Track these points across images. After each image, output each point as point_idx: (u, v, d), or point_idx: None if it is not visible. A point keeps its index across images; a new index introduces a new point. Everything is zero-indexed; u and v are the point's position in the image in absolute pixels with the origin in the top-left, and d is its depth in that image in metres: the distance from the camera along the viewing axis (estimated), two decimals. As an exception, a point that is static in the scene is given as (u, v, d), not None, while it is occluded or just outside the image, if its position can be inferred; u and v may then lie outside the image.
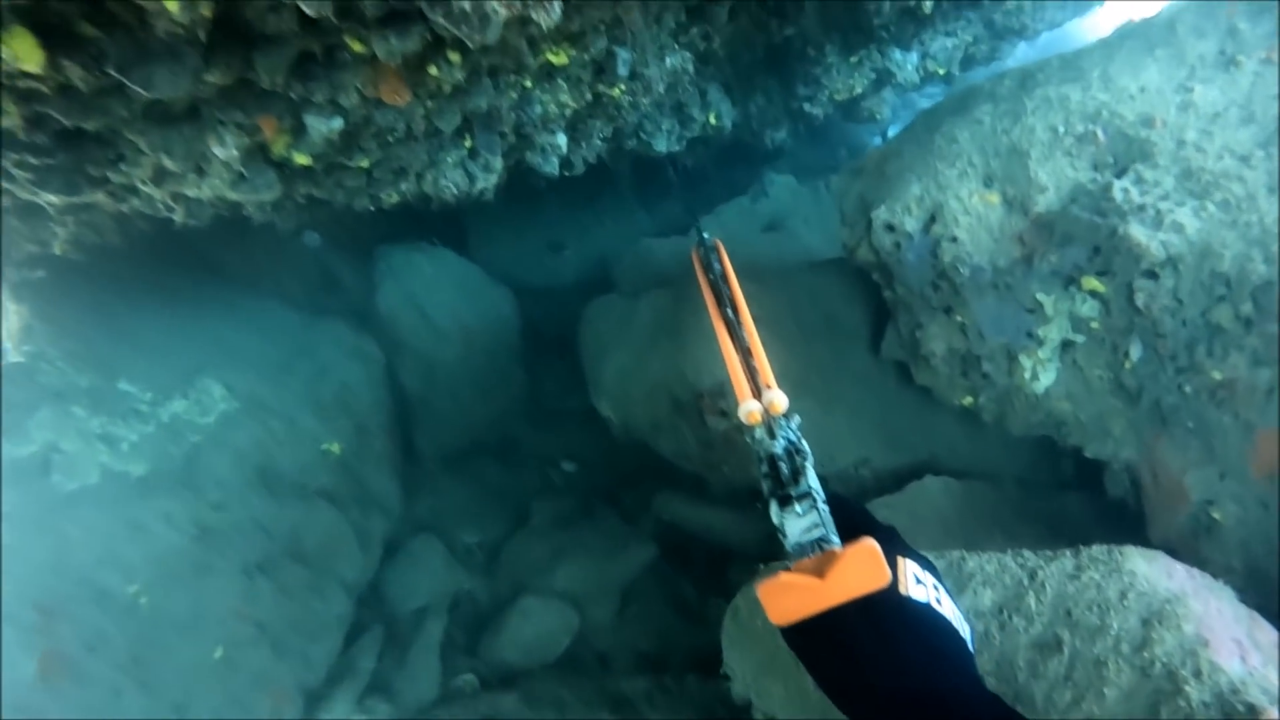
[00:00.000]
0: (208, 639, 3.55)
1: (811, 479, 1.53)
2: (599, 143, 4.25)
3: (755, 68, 5.10)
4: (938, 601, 1.34)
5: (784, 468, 1.55)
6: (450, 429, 5.34)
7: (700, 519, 4.42)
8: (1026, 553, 2.44)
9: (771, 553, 3.08)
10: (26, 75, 1.63)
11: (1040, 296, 3.02)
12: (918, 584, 1.34)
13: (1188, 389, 2.76)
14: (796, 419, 1.74)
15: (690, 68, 3.37)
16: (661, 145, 4.88)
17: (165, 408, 4.01)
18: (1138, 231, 2.66)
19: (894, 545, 1.40)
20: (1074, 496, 3.60)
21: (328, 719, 3.79)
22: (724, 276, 2.63)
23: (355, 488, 4.46)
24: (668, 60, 3.35)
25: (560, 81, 2.86)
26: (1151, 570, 2.19)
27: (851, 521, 1.51)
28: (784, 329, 3.97)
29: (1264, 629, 2.16)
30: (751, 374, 1.87)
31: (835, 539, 1.36)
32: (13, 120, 1.78)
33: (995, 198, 3.09)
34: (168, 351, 4.26)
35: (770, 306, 4.09)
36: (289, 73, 1.95)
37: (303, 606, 3.89)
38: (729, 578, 4.31)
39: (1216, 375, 2.65)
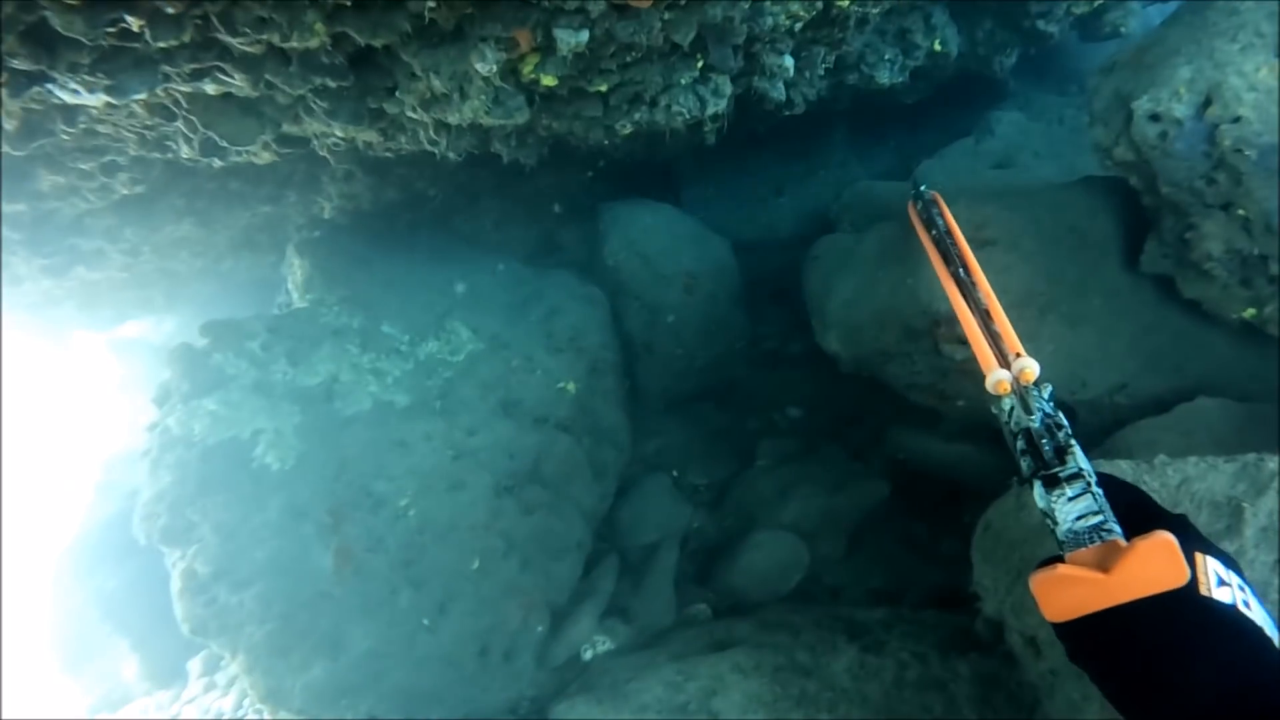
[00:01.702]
0: (465, 549, 3.89)
1: (1080, 458, 1.42)
2: (821, 75, 4.20)
3: (985, -12, 4.83)
4: (1246, 605, 1.18)
5: (1045, 445, 1.46)
6: (674, 372, 5.49)
7: (934, 454, 4.26)
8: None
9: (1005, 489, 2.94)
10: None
11: (1349, 176, 2.65)
12: (1221, 585, 1.19)
13: None
14: (1049, 388, 1.63)
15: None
16: (884, 77, 4.73)
17: (421, 347, 4.45)
18: None
19: (1189, 538, 1.25)
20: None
21: (573, 633, 4.04)
22: (948, 232, 2.51)
23: (589, 422, 4.71)
24: (896, -31, 3.25)
25: (791, -23, 2.86)
26: None
27: (1131, 507, 1.35)
28: (1023, 247, 3.73)
29: None
30: (994, 339, 1.78)
31: (1117, 528, 1.25)
32: (320, 39, 2.06)
33: (1289, 68, 2.74)
34: (419, 299, 4.73)
35: (1006, 225, 3.87)
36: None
37: (545, 526, 4.17)
38: (964, 516, 4.15)
39: None
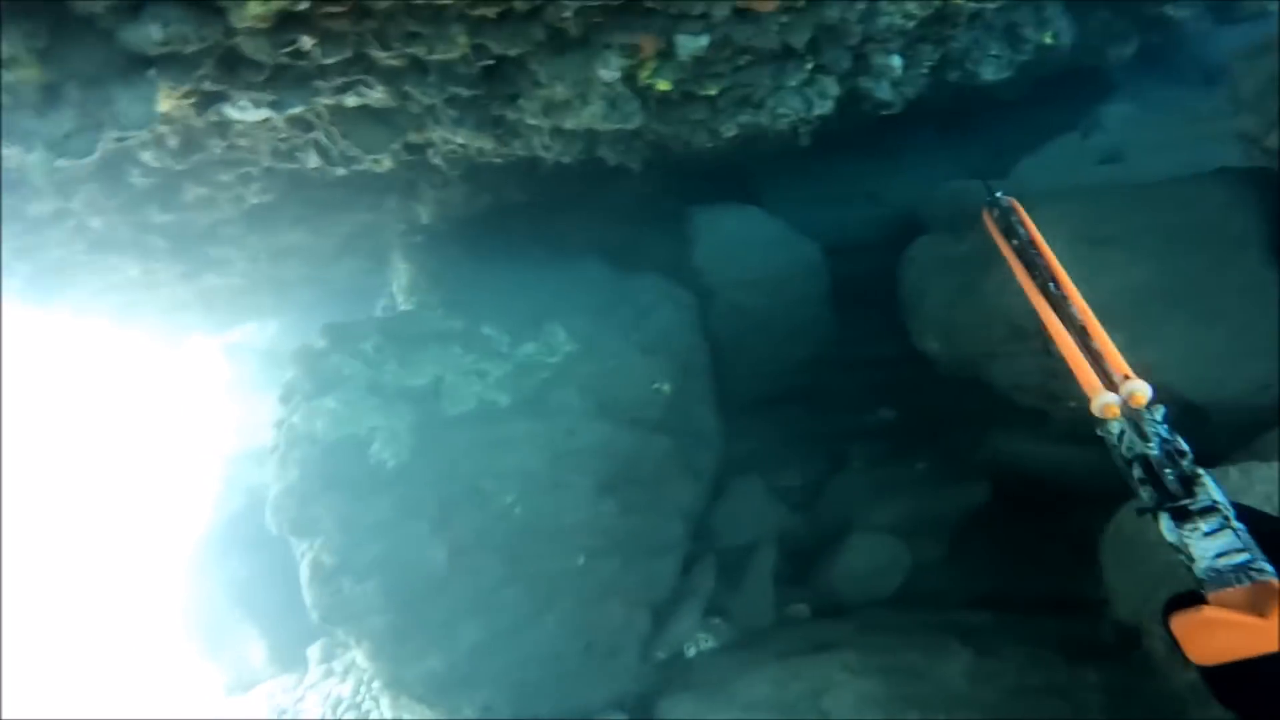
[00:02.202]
0: (568, 547, 3.96)
1: (1214, 489, 1.35)
2: (925, 72, 4.16)
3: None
4: None
5: (1169, 474, 1.39)
6: (764, 374, 5.50)
7: (1040, 457, 4.17)
8: None
9: (1119, 494, 2.84)
10: (481, 2, 1.96)
11: None
12: None
13: None
14: (1163, 409, 1.54)
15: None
16: (989, 73, 4.63)
17: (520, 349, 4.53)
18: None
19: None
20: None
21: (676, 630, 4.08)
22: (1032, 242, 2.38)
23: (683, 422, 4.74)
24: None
25: (910, -21, 2.86)
26: None
27: (1274, 541, 1.28)
28: (1144, 244, 3.63)
29: None
30: (1095, 359, 1.69)
31: (1269, 567, 1.19)
32: (462, 50, 2.15)
33: None
34: (515, 301, 4.82)
35: (1124, 222, 3.78)
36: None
37: (645, 525, 4.22)
38: (1072, 520, 4.04)
39: None
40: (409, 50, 2.11)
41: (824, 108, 3.39)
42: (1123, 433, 1.50)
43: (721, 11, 2.36)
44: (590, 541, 4.05)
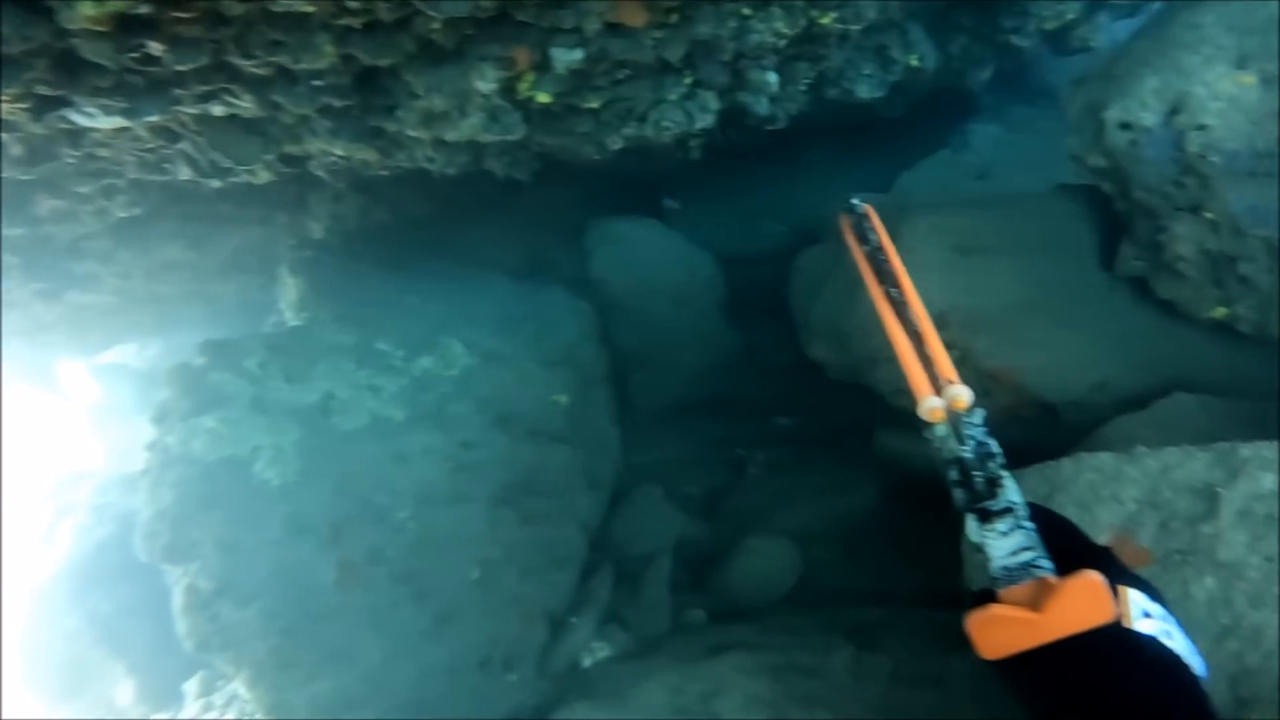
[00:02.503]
0: (465, 561, 3.94)
1: (1011, 490, 1.41)
2: (803, 89, 4.33)
3: (957, 6, 4.99)
4: (1168, 635, 1.24)
5: (978, 476, 1.43)
6: (665, 385, 5.58)
7: (923, 456, 4.35)
8: (1305, 438, 2.28)
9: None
10: (346, 12, 1.95)
11: (1310, 176, 2.79)
12: (1144, 616, 1.24)
13: None
14: (981, 413, 1.60)
15: (892, 16, 3.38)
16: (864, 91, 4.86)
17: (416, 363, 4.49)
18: None
19: (1114, 571, 1.29)
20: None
21: (572, 641, 4.09)
22: (881, 248, 2.47)
23: (583, 433, 4.77)
24: (874, -13, 3.38)
25: (775, 8, 2.98)
26: None
27: (1062, 540, 1.37)
28: (1008, 253, 3.87)
29: None
30: (927, 363, 1.76)
31: (1048, 564, 1.28)
32: (330, 59, 2.13)
33: (1250, 78, 2.88)
34: (413, 316, 4.78)
35: (991, 231, 4.01)
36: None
37: (543, 537, 4.22)
38: (952, 514, 4.24)
39: None
40: (273, 59, 2.09)
41: (705, 121, 3.48)
42: (945, 436, 1.54)
43: (593, 25, 2.41)
44: (487, 554, 4.02)
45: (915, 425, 4.15)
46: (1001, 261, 3.87)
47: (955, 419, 1.53)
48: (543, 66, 2.59)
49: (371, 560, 3.69)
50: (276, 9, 1.77)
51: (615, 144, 3.45)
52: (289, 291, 4.69)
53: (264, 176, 3.07)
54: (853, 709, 3.10)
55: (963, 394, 1.54)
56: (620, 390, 5.55)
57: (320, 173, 3.35)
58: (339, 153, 2.82)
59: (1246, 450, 2.34)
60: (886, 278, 2.12)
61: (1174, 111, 2.99)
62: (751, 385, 5.80)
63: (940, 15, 5.08)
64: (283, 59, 2.09)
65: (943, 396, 1.55)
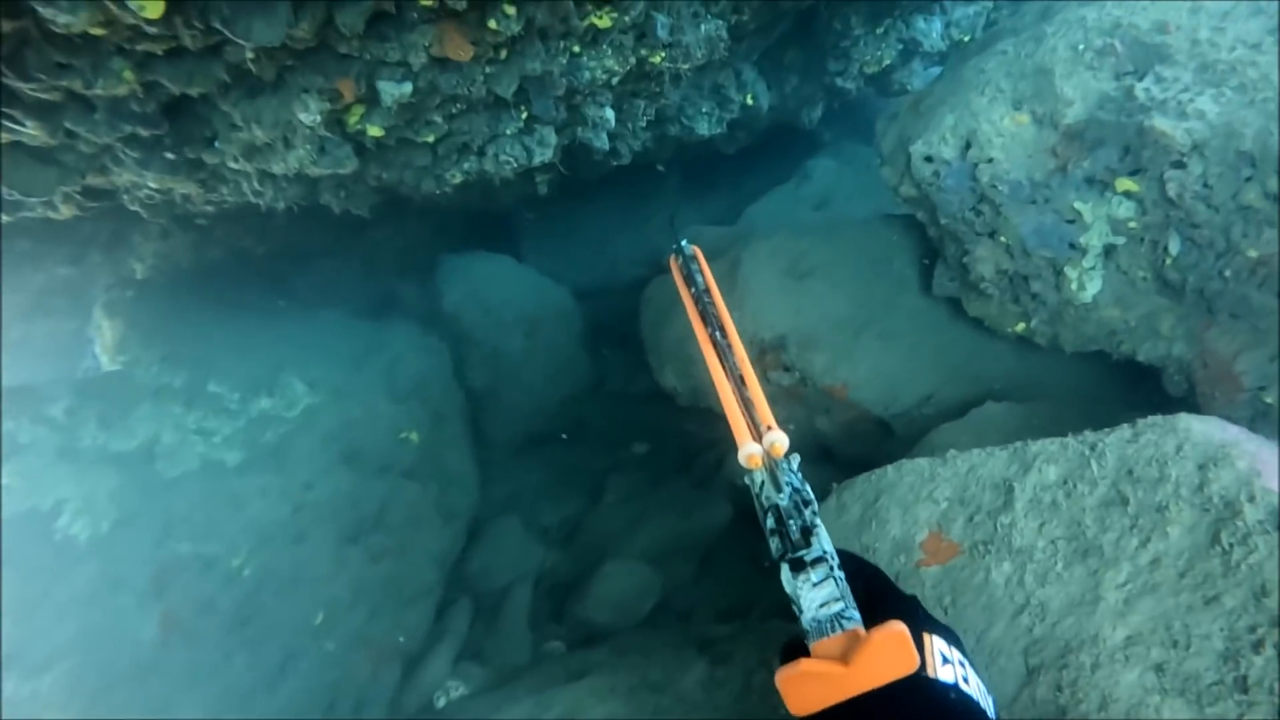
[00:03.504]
0: (308, 604, 3.78)
1: (824, 539, 1.44)
2: (643, 126, 4.48)
3: (786, 43, 5.30)
4: (964, 680, 1.31)
5: (793, 525, 1.45)
6: (520, 416, 5.57)
7: (771, 474, 4.52)
8: (1086, 432, 2.53)
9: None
10: (144, 37, 1.89)
11: (1078, 205, 3.12)
12: (944, 663, 1.30)
13: (1228, 273, 2.82)
14: (797, 458, 1.62)
15: (724, 35, 3.57)
16: (703, 128, 5.09)
17: (253, 404, 4.31)
18: (1162, 122, 2.76)
19: (918, 620, 1.35)
20: (1139, 402, 3.62)
21: (426, 680, 3.98)
22: (707, 290, 2.48)
23: (436, 469, 4.69)
24: (702, 27, 3.56)
25: (605, 46, 3.08)
26: (1205, 426, 2.27)
27: (870, 587, 1.44)
28: (837, 276, 4.11)
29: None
30: (748, 407, 1.71)
31: (856, 615, 1.30)
32: (129, 86, 2.05)
33: (1025, 118, 3.21)
34: (250, 356, 4.59)
35: (822, 257, 4.26)
36: (365, 32, 2.21)
37: (393, 574, 4.10)
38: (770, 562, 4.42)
39: (1253, 254, 2.72)
40: (60, 83, 1.98)
41: (545, 155, 3.54)
42: (763, 482, 1.55)
43: (419, 59, 2.43)
44: (333, 595, 3.88)
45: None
46: (832, 285, 4.12)
47: (773, 465, 1.56)
48: (371, 100, 2.57)
49: (200, 611, 3.48)
50: (56, 28, 1.68)
51: (455, 178, 3.46)
52: (105, 334, 4.40)
53: (67, 211, 2.88)
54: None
55: (780, 440, 1.57)
56: (476, 423, 5.50)
57: (136, 208, 3.18)
58: (153, 185, 2.70)
59: (1036, 446, 2.57)
60: (711, 321, 2.20)
61: (967, 146, 3.29)
62: (606, 414, 5.87)
63: (772, 58, 5.39)
64: (72, 83, 1.98)
65: (762, 442, 1.59)
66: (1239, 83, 2.72)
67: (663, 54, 3.50)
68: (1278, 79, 2.66)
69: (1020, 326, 3.62)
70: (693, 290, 2.59)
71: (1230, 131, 2.67)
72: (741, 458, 1.57)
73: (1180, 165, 2.80)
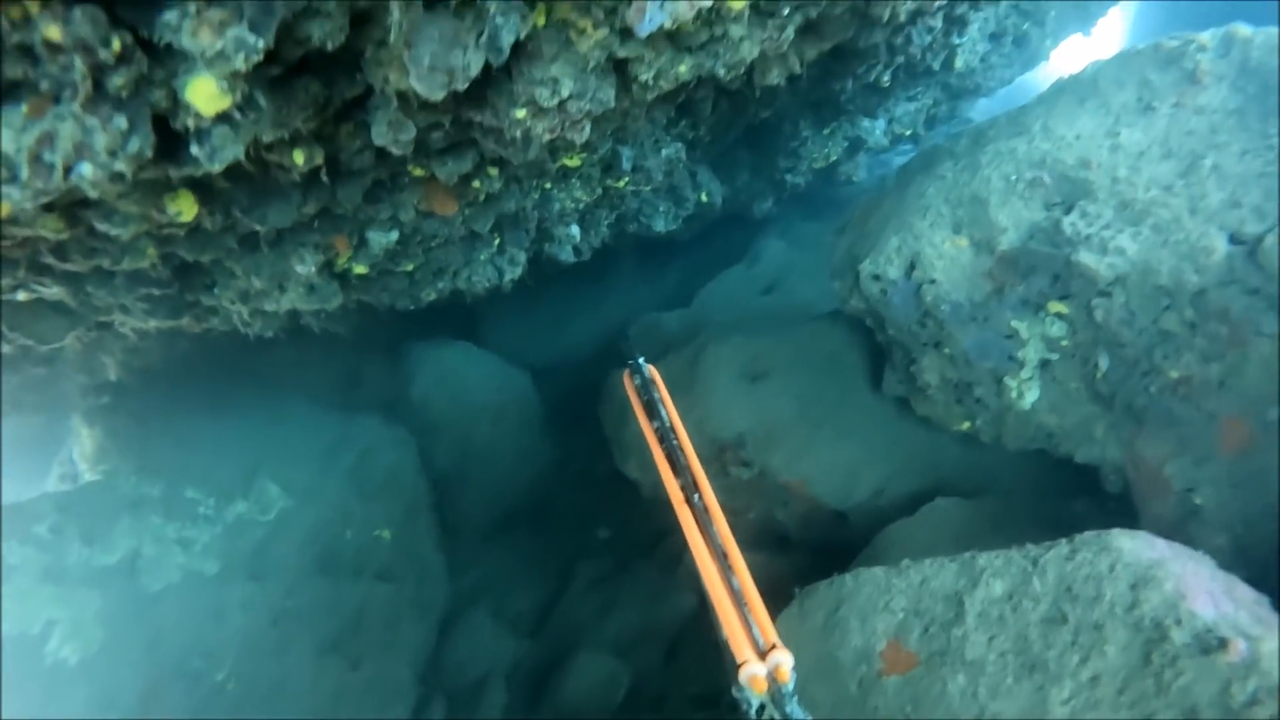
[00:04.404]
0: (291, 714, 3.82)
1: None
2: (605, 229, 4.72)
3: (738, 146, 5.61)
4: None
5: None
6: (486, 502, 5.68)
7: (735, 562, 4.69)
8: (1029, 545, 2.76)
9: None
10: (172, 226, 2.05)
11: (1015, 323, 3.41)
12: None
13: (1153, 389, 3.12)
14: (794, 678, 1.53)
15: (683, 154, 3.83)
16: (660, 225, 5.36)
17: (229, 510, 4.37)
18: (1087, 258, 3.07)
19: None
20: (1077, 500, 3.90)
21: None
22: (673, 429, 2.43)
23: (408, 566, 4.77)
24: (663, 152, 3.82)
25: (574, 181, 3.32)
26: (1135, 544, 2.52)
27: None
28: (793, 375, 4.35)
29: (1241, 589, 2.47)
30: (739, 605, 1.64)
31: None
32: (150, 260, 2.20)
33: (964, 241, 3.51)
34: (224, 457, 4.65)
35: (777, 357, 4.50)
36: (362, 199, 2.39)
37: (372, 677, 4.17)
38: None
39: (1174, 374, 3.02)
40: (91, 262, 2.12)
41: (515, 273, 3.75)
42: (762, 706, 1.51)
43: (408, 215, 2.61)
44: (315, 705, 3.93)
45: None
46: (787, 384, 4.36)
47: (777, 692, 1.51)
48: (360, 246, 2.75)
49: (187, 730, 3.51)
50: (99, 228, 1.83)
51: (429, 296, 3.63)
52: (84, 443, 4.43)
53: (70, 346, 2.98)
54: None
55: (786, 663, 1.50)
56: (444, 510, 5.59)
57: (126, 330, 3.29)
58: (154, 325, 2.82)
59: (983, 560, 2.80)
60: (679, 468, 2.21)
61: (912, 267, 3.58)
62: (571, 497, 6.01)
63: (725, 156, 5.70)
64: (101, 261, 2.13)
65: (765, 661, 1.53)
66: (1154, 223, 3.04)
67: (627, 179, 3.74)
68: (1186, 218, 2.98)
69: (966, 425, 3.89)
70: (655, 424, 2.60)
71: (1148, 269, 2.99)
72: (744, 677, 1.51)
73: (1105, 294, 3.10)
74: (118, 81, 1.26)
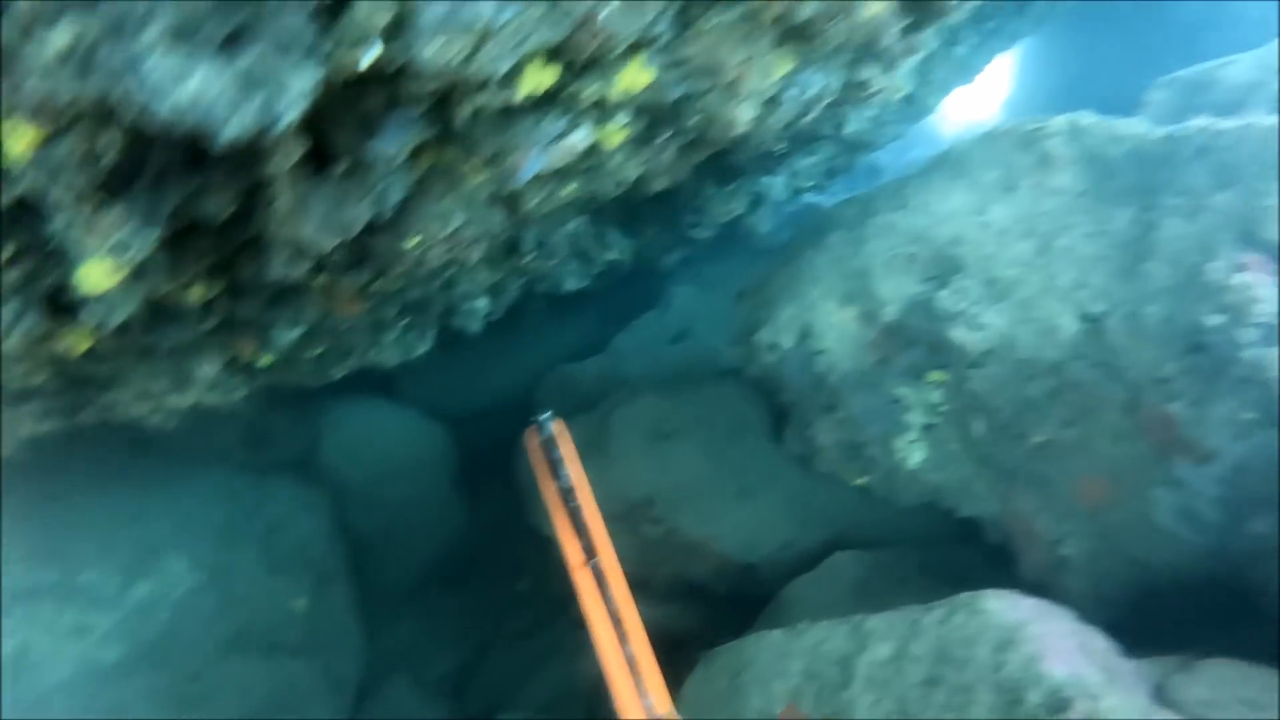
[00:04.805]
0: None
1: None
2: (515, 293, 4.81)
3: (644, 204, 5.78)
4: None
5: None
6: (404, 564, 5.67)
7: (646, 617, 4.80)
8: (911, 606, 2.96)
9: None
10: (65, 356, 2.06)
11: (899, 390, 3.65)
12: None
13: (1021, 451, 3.38)
14: None
15: (587, 226, 3.97)
16: (570, 285, 5.48)
17: (131, 592, 4.24)
18: (958, 333, 3.32)
19: None
20: (965, 548, 4.16)
21: None
22: (582, 509, 2.43)
23: (323, 635, 4.73)
24: (568, 226, 3.95)
25: (480, 264, 3.41)
26: (1001, 606, 2.73)
27: None
28: (701, 435, 4.52)
29: (1096, 641, 2.72)
30: (632, 665, 1.72)
31: None
32: (43, 378, 2.20)
33: (852, 313, 3.74)
34: (125, 534, 4.51)
35: (685, 417, 4.66)
36: (265, 306, 2.44)
37: (288, 760, 4.12)
38: (679, 666, 4.70)
39: (1038, 438, 3.28)
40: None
41: (424, 348, 3.81)
42: None
43: (313, 316, 2.67)
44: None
45: (637, 588, 4.52)
46: (694, 443, 4.52)
47: None
48: (265, 343, 2.78)
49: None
50: None
51: (339, 374, 3.67)
52: (-32, 531, 4.25)
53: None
54: None
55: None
56: (359, 575, 5.55)
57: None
58: (45, 428, 2.79)
59: (870, 623, 2.98)
60: (585, 541, 2.28)
61: (804, 336, 3.79)
62: (490, 553, 6.03)
63: (631, 214, 5.86)
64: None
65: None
66: (1016, 299, 3.31)
67: (533, 255, 3.86)
68: (1042, 296, 3.26)
69: (862, 480, 4.11)
70: (559, 485, 2.63)
71: (1011, 343, 3.26)
72: None
73: (976, 365, 3.36)
74: (9, 279, 1.30)
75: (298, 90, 1.09)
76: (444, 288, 3.36)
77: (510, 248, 3.54)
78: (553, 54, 1.35)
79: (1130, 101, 4.58)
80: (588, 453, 4.83)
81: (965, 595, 2.89)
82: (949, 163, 4.01)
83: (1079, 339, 3.13)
